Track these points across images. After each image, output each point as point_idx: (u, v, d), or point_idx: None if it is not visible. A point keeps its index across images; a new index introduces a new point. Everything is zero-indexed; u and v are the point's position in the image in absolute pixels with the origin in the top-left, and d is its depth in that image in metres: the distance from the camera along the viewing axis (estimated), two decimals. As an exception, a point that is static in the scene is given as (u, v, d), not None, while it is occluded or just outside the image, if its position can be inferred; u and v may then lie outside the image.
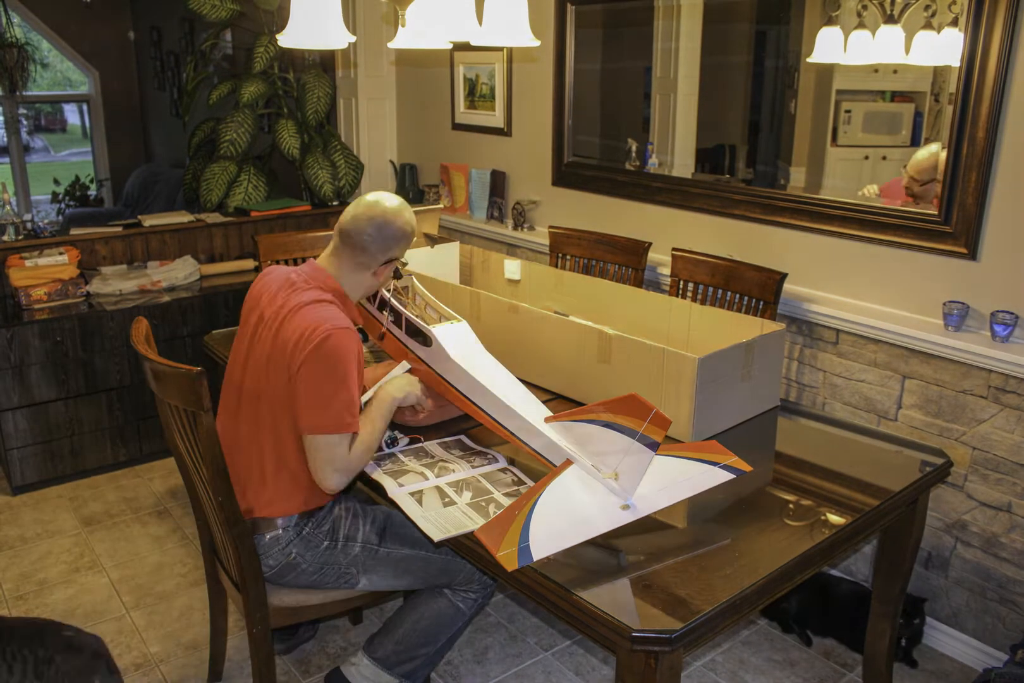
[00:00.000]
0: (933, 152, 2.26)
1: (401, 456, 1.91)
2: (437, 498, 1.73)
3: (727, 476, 1.71)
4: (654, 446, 1.53)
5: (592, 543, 1.56)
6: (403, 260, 1.97)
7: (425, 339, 2.00)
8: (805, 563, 1.56)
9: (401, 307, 2.07)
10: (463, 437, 2.01)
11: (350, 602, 1.99)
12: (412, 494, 1.75)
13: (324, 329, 1.72)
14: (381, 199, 1.88)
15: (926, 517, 2.00)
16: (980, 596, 2.31)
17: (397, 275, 2.01)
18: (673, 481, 1.69)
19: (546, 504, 1.60)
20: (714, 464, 1.74)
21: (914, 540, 1.96)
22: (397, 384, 1.93)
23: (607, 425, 1.59)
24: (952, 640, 2.39)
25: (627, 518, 1.60)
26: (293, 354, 1.73)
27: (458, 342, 1.97)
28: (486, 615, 2.56)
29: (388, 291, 2.13)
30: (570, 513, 1.60)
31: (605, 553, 1.56)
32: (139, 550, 2.90)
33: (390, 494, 1.75)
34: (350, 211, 1.87)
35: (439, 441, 1.98)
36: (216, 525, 1.91)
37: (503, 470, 1.84)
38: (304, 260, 3.11)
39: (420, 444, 1.97)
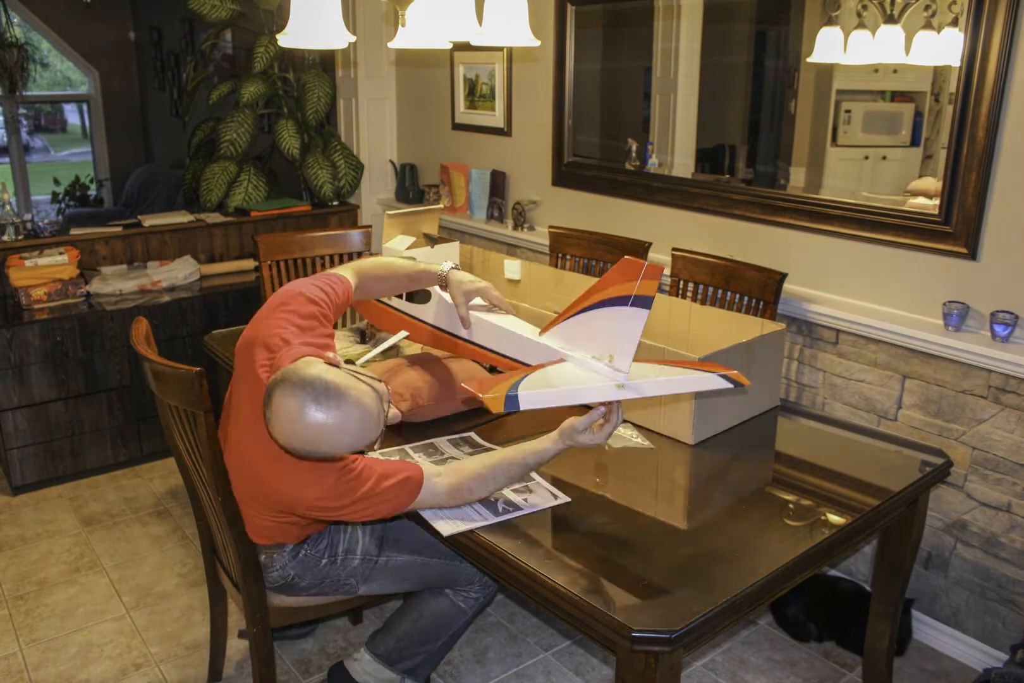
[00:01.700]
0: (929, 182, 2.27)
1: (412, 453, 1.91)
2: None
3: (725, 384, 1.66)
4: (648, 302, 1.53)
5: (593, 543, 1.56)
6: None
7: (422, 296, 2.06)
8: (805, 563, 1.56)
9: None
10: (472, 434, 2.01)
11: (350, 602, 2.00)
12: None
13: None
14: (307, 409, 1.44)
15: (926, 517, 2.00)
16: (980, 596, 2.31)
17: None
18: (672, 377, 1.67)
19: (541, 374, 1.62)
20: (713, 373, 1.70)
21: (914, 540, 1.96)
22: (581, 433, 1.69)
23: (599, 305, 1.60)
24: (952, 640, 2.39)
25: (620, 395, 1.59)
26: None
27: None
28: (486, 615, 2.56)
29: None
30: (564, 383, 1.61)
31: (605, 552, 1.56)
32: (139, 550, 2.90)
33: None
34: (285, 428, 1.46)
35: (448, 438, 1.98)
36: (216, 525, 1.91)
37: None
38: (303, 261, 3.15)
39: (430, 441, 1.97)
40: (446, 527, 1.63)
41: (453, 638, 2.02)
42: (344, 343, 2.50)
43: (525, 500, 1.71)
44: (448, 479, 1.63)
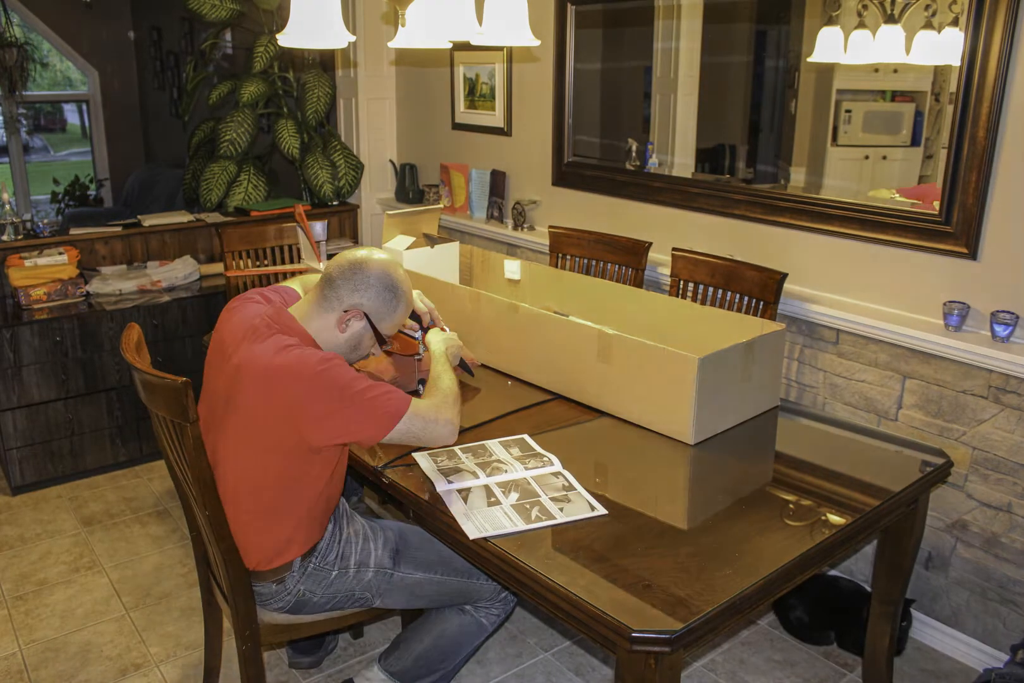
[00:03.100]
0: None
1: (460, 453, 1.90)
2: (483, 497, 1.72)
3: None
4: None
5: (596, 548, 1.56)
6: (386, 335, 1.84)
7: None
8: (805, 563, 1.56)
9: None
10: (526, 437, 2.00)
11: (344, 620, 1.92)
12: (459, 491, 1.74)
13: (311, 367, 1.64)
14: (374, 250, 1.82)
15: (926, 517, 2.00)
16: (980, 596, 2.31)
17: (381, 341, 1.84)
18: None
19: None
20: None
21: (914, 540, 1.96)
22: (441, 336, 2.08)
23: None
24: (952, 640, 2.39)
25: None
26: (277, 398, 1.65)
27: None
28: (486, 615, 2.56)
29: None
30: None
31: (604, 551, 1.56)
32: (139, 550, 2.90)
33: (437, 490, 1.75)
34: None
35: (501, 440, 1.97)
36: (207, 538, 1.85)
37: (555, 474, 1.82)
38: (268, 252, 3.20)
39: (481, 442, 1.96)
40: (473, 530, 1.61)
41: (471, 654, 1.99)
42: None
43: (561, 509, 1.68)
44: (427, 400, 1.83)
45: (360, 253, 1.78)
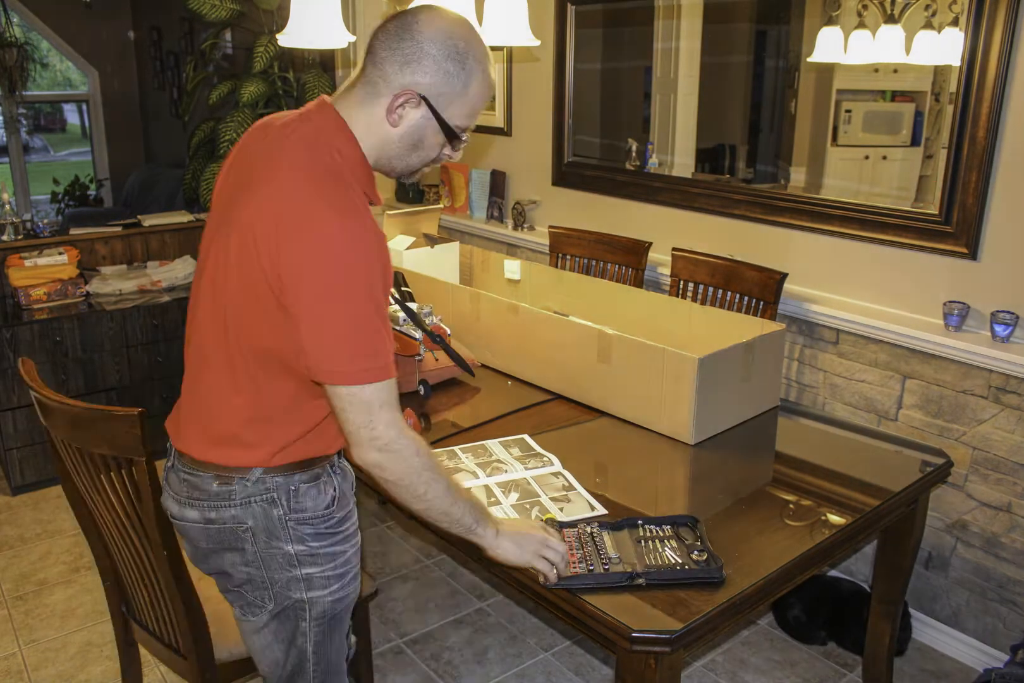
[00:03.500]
0: None
1: (460, 453, 1.90)
2: (483, 497, 1.72)
3: None
4: None
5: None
6: (462, 134, 1.35)
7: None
8: (805, 563, 1.56)
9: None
10: (526, 437, 1.99)
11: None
12: None
13: (322, 229, 1.20)
14: (433, 6, 1.30)
15: (926, 517, 2.00)
16: (980, 596, 2.31)
17: (454, 147, 1.37)
18: None
19: None
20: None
21: (914, 540, 1.96)
22: (527, 540, 1.43)
23: None
24: (952, 640, 2.39)
25: None
26: (276, 256, 1.22)
27: None
28: (486, 615, 2.56)
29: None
30: None
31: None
32: (139, 550, 2.90)
33: None
34: None
35: (501, 440, 1.97)
36: (150, 585, 1.63)
37: (555, 474, 1.82)
38: None
39: (481, 443, 1.96)
40: None
41: None
42: None
43: (561, 509, 1.67)
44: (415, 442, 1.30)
45: (412, 9, 1.29)
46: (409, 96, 1.27)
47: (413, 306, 2.24)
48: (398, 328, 2.17)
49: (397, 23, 1.28)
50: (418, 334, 2.09)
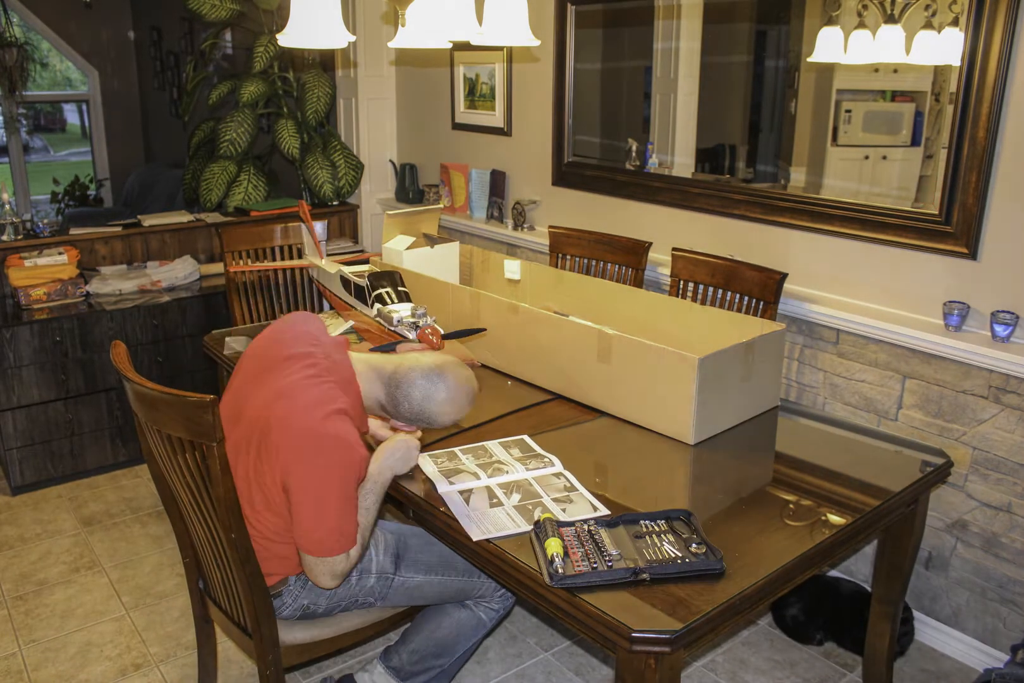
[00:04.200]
0: None
1: (460, 454, 1.90)
2: (485, 498, 1.72)
3: None
4: None
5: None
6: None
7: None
8: (805, 563, 1.56)
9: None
10: (526, 437, 1.99)
11: (361, 633, 1.89)
12: (461, 493, 1.74)
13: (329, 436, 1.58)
14: (447, 376, 1.74)
15: (926, 517, 2.00)
16: (980, 596, 2.31)
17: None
18: None
19: None
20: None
21: (914, 540, 1.96)
22: (396, 456, 1.78)
23: None
24: (952, 640, 2.39)
25: None
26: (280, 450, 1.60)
27: None
28: (486, 615, 2.56)
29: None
30: None
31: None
32: (138, 550, 2.90)
33: (438, 491, 1.74)
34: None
35: (500, 441, 1.97)
36: (222, 565, 1.75)
37: (556, 475, 1.82)
38: (268, 252, 3.23)
39: (481, 444, 1.96)
40: (477, 532, 1.61)
41: (468, 653, 1.98)
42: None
43: (563, 510, 1.68)
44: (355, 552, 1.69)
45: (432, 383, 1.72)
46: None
47: (409, 306, 2.24)
48: (393, 328, 2.17)
49: (423, 378, 1.76)
50: (412, 334, 2.09)
